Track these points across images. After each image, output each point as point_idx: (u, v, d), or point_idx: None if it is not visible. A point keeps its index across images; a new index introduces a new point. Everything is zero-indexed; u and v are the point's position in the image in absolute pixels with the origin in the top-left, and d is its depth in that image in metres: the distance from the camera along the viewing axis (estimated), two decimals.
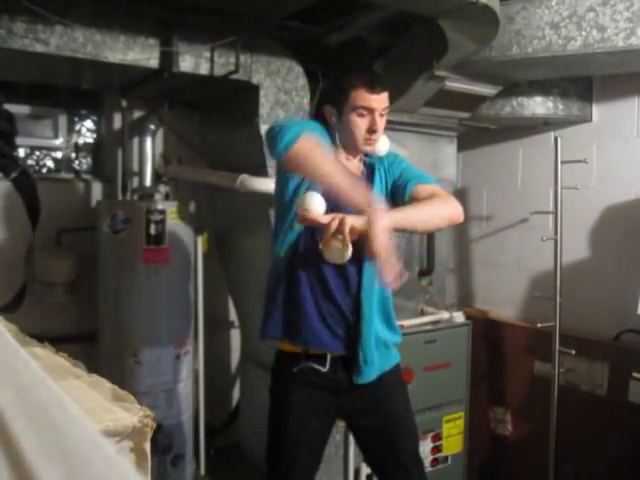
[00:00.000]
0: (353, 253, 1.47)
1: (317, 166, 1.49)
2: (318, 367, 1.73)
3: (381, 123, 1.72)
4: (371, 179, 1.78)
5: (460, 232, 3.60)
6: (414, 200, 1.66)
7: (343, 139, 1.75)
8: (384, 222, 1.40)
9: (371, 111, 1.68)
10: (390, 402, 1.83)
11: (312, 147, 1.50)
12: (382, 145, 1.77)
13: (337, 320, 1.73)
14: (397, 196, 1.73)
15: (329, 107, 1.74)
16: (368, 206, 1.42)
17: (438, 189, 1.68)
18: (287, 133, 1.51)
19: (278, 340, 1.81)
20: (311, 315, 1.71)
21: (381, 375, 1.79)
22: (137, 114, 3.04)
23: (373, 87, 1.67)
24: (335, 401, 1.79)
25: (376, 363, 1.75)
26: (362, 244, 1.43)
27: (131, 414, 0.98)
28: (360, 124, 1.69)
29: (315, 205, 1.52)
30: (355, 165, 1.79)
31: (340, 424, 2.04)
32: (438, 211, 1.60)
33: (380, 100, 1.68)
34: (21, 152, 2.87)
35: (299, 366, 1.75)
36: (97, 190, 3.02)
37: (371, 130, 1.69)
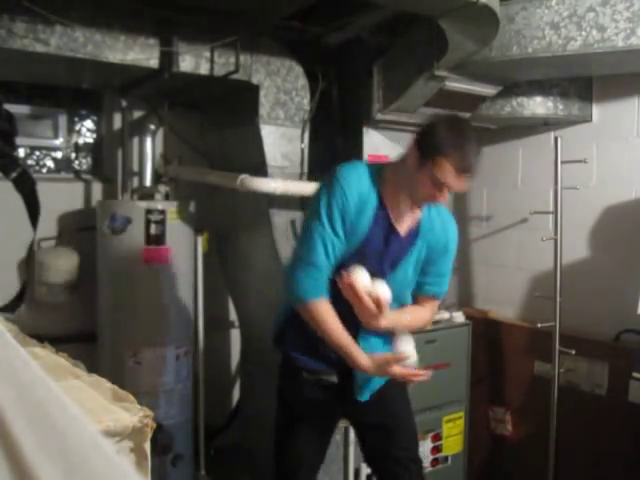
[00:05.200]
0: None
1: (327, 331, 1.69)
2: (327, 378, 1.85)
3: (447, 195, 1.66)
4: (413, 241, 1.77)
5: (460, 232, 3.58)
6: (414, 298, 1.86)
7: (408, 185, 1.67)
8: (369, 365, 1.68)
9: (448, 189, 1.62)
10: (391, 402, 1.88)
11: (324, 315, 1.68)
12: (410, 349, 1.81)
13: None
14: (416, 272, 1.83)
15: (416, 150, 1.62)
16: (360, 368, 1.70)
17: (432, 311, 1.92)
18: (298, 284, 1.69)
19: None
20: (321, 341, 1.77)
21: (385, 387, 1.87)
22: (137, 114, 3.04)
23: (465, 170, 1.58)
24: (339, 402, 1.85)
25: (374, 383, 1.83)
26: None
27: (131, 414, 0.98)
28: (430, 191, 1.63)
29: (362, 281, 1.64)
30: (416, 217, 1.77)
31: (341, 424, 2.06)
32: (424, 323, 1.96)
33: (461, 183, 1.61)
34: (21, 152, 2.87)
35: (306, 373, 1.84)
36: (97, 190, 3.02)
37: (436, 198, 1.65)
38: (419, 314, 1.86)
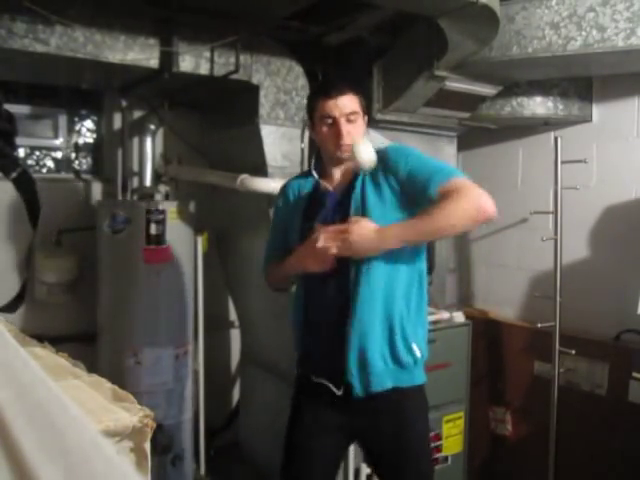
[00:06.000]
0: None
1: (276, 271, 1.85)
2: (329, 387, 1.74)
3: (351, 128, 1.67)
4: (351, 187, 1.70)
5: None
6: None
7: (324, 154, 1.78)
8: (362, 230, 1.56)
9: (334, 118, 1.67)
10: (406, 432, 1.74)
11: (272, 269, 1.88)
12: (364, 154, 1.66)
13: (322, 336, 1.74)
14: (423, 206, 1.56)
15: (310, 130, 1.79)
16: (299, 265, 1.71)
17: (459, 184, 1.52)
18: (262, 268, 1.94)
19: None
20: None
21: (400, 398, 1.72)
22: (137, 114, 3.04)
23: (329, 93, 1.67)
24: (347, 419, 1.73)
25: (375, 378, 1.68)
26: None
27: (131, 414, 0.98)
28: (326, 135, 1.70)
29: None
30: (346, 177, 1.74)
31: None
32: (449, 216, 1.49)
33: (340, 105, 1.66)
34: (21, 152, 2.87)
35: (310, 382, 1.78)
36: (97, 190, 3.02)
37: (337, 136, 1.67)
38: (438, 208, 1.51)
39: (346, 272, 1.65)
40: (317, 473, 1.78)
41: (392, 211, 1.64)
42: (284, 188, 1.91)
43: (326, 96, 1.67)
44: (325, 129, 1.69)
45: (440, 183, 1.54)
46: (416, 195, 1.60)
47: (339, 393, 1.70)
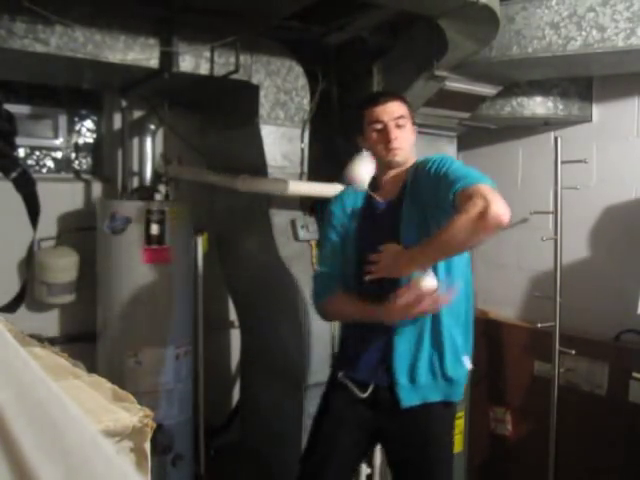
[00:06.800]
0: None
1: (348, 314, 1.80)
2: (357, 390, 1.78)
3: (400, 133, 1.73)
4: (400, 201, 1.74)
5: None
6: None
7: (376, 159, 1.78)
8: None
9: (383, 123, 1.73)
10: (429, 445, 1.75)
11: (339, 304, 1.81)
12: (357, 173, 1.75)
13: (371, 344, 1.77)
14: (446, 215, 1.55)
15: (359, 138, 1.82)
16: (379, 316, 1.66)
17: (475, 191, 1.49)
18: (316, 292, 1.87)
19: None
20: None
21: (430, 410, 1.74)
22: (137, 114, 3.04)
23: (377, 99, 1.75)
24: (372, 418, 1.77)
25: (420, 388, 1.72)
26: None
27: (131, 414, 0.98)
28: (377, 140, 1.75)
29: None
30: (400, 179, 1.77)
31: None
32: (459, 232, 1.46)
33: (388, 110, 1.73)
34: (21, 152, 2.87)
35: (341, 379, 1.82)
36: (97, 190, 3.02)
37: (387, 140, 1.72)
38: (444, 230, 1.51)
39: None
40: (336, 463, 1.80)
41: (422, 223, 1.68)
42: (334, 205, 1.90)
43: (375, 103, 1.75)
44: (375, 135, 1.75)
45: (460, 188, 1.53)
46: (438, 200, 1.61)
47: (363, 396, 1.75)
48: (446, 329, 1.71)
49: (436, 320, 1.70)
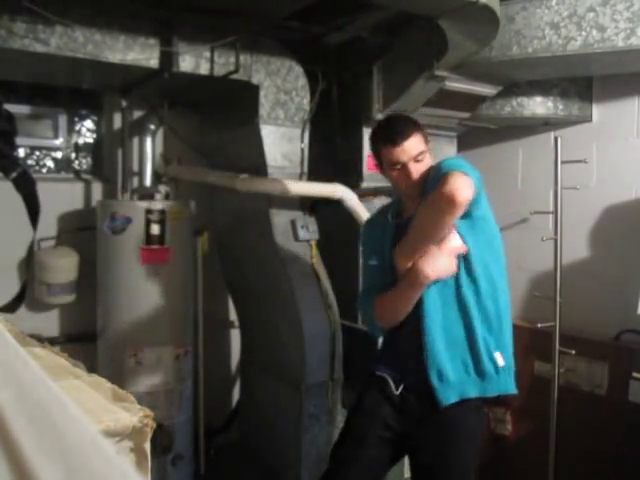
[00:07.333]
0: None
1: (392, 304, 1.80)
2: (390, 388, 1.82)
3: (420, 166, 1.74)
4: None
5: None
6: None
7: (395, 188, 1.89)
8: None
9: (402, 163, 1.73)
10: (452, 453, 1.76)
11: (381, 303, 1.83)
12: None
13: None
14: None
15: (379, 169, 1.87)
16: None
17: (446, 179, 1.57)
18: (364, 308, 1.93)
19: None
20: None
21: (468, 406, 1.75)
22: (137, 114, 3.04)
23: (394, 140, 1.72)
24: (399, 421, 1.79)
25: (452, 386, 1.73)
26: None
27: (131, 414, 0.98)
28: (397, 178, 1.77)
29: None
30: (418, 186, 1.80)
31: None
32: (426, 214, 1.66)
33: (407, 150, 1.72)
34: (21, 152, 2.87)
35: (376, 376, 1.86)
36: (97, 190, 3.02)
37: (408, 178, 1.74)
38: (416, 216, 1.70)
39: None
40: (362, 459, 1.82)
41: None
42: (367, 227, 2.08)
43: (392, 144, 1.72)
44: (395, 173, 1.77)
45: (440, 178, 1.61)
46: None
47: (396, 393, 1.80)
48: (477, 328, 1.74)
49: (467, 319, 1.74)
